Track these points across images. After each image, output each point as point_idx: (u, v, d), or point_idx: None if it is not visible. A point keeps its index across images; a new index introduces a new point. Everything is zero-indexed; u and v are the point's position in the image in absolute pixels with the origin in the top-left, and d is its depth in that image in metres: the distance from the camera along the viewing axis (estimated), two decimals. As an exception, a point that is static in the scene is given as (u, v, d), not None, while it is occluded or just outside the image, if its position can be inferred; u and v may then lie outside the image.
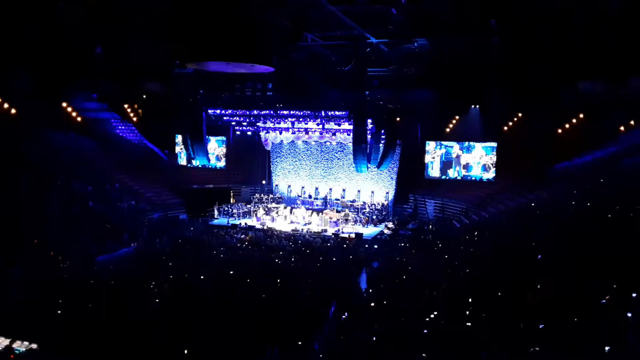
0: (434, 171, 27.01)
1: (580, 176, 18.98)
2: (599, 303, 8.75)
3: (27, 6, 15.40)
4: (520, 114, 24.26)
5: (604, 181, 17.14)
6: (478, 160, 25.86)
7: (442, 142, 26.74)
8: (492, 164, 25.44)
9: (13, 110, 22.28)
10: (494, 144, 25.40)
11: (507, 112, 24.37)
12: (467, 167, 26.11)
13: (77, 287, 13.31)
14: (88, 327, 9.89)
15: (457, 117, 26.55)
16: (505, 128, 25.05)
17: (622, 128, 19.94)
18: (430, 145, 26.94)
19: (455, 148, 26.36)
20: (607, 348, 7.44)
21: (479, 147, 25.75)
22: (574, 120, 22.25)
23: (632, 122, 19.75)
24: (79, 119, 26.62)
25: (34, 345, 9.28)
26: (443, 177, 26.78)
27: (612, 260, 9.74)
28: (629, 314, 8.13)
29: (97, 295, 12.32)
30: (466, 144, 25.98)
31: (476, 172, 25.92)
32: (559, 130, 22.73)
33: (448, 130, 27.00)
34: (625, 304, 8.40)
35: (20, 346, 9.26)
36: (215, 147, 30.88)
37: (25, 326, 9.85)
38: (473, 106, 25.02)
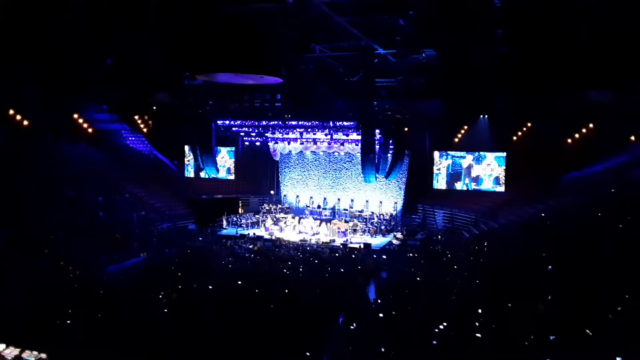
0: (440, 184, 26.15)
1: (591, 186, 18.82)
2: (610, 314, 8.66)
3: (33, 14, 15.51)
4: (529, 124, 24.12)
5: (614, 191, 16.99)
6: (489, 172, 25.16)
7: (450, 152, 26.22)
8: (505, 177, 24.64)
9: (25, 122, 22.55)
10: (504, 154, 25.09)
11: (516, 122, 24.21)
12: (477, 179, 25.37)
13: (86, 297, 13.38)
14: (97, 336, 9.93)
15: (465, 127, 26.41)
16: (515, 138, 24.87)
17: (632, 138, 19.78)
18: (435, 156, 26.27)
19: (468, 158, 25.69)
20: (618, 359, 7.35)
21: (490, 157, 25.16)
22: (584, 130, 22.09)
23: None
24: (89, 130, 26.86)
25: (44, 355, 9.32)
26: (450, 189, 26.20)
27: (623, 271, 9.65)
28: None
29: (106, 305, 12.38)
30: (476, 154, 25.59)
31: (487, 185, 25.07)
32: (569, 140, 22.57)
33: (457, 140, 26.81)
34: (637, 315, 8.31)
35: (29, 356, 9.30)
36: (227, 159, 30.59)
37: (34, 335, 9.90)
38: (482, 116, 24.90)
